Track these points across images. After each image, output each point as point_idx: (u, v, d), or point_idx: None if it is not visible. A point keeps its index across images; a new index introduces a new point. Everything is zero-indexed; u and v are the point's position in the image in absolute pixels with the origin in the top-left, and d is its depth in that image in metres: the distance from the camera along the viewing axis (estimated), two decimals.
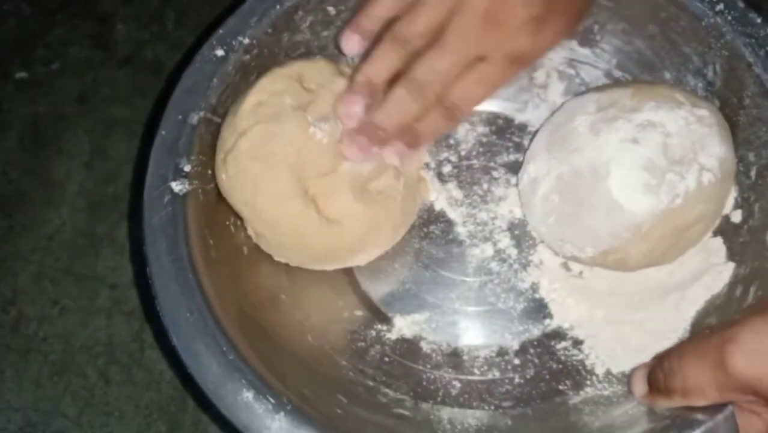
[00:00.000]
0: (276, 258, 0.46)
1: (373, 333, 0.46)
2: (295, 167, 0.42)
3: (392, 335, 0.46)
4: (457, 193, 0.51)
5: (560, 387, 0.44)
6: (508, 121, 0.53)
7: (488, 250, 0.49)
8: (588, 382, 0.44)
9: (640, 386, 0.40)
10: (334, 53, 0.51)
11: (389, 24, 0.43)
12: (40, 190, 0.58)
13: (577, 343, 0.45)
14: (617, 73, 0.51)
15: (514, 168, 0.51)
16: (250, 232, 0.46)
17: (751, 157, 0.45)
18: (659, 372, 0.38)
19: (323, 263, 0.46)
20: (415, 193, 0.48)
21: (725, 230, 0.45)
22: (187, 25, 0.61)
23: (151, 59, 0.61)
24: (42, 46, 0.63)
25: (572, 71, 0.52)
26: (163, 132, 0.44)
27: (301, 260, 0.46)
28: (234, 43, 0.47)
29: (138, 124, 0.44)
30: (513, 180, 0.50)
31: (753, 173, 0.44)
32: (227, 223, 0.46)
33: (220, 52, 0.46)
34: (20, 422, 0.50)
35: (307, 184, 0.43)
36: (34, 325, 0.53)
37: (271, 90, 0.44)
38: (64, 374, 0.52)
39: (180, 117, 0.45)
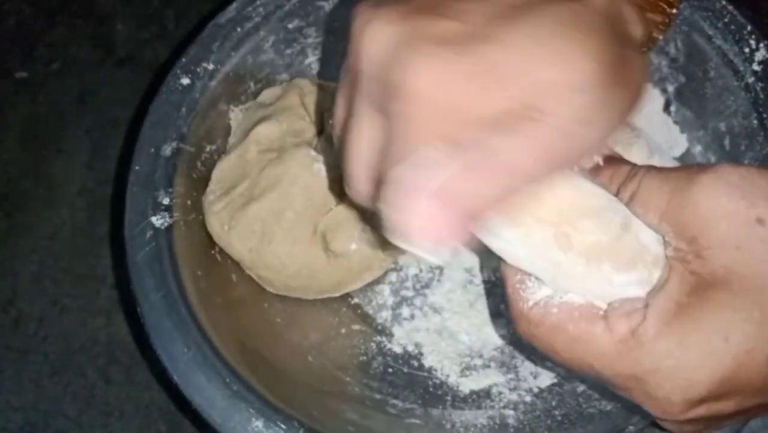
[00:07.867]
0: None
1: (374, 346, 0.46)
2: (303, 209, 0.42)
3: (393, 345, 0.46)
4: None
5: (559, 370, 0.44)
6: None
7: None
8: None
9: None
10: (300, 70, 0.51)
11: None
12: (40, 190, 0.57)
13: None
14: None
15: None
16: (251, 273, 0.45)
17: (723, 127, 0.45)
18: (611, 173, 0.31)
19: (328, 294, 0.46)
20: None
21: None
22: (187, 25, 0.61)
23: (151, 59, 0.61)
24: (42, 46, 0.62)
25: None
26: (137, 167, 0.43)
27: (306, 294, 0.45)
28: (199, 70, 0.46)
29: (138, 124, 0.44)
30: None
31: (726, 142, 0.45)
32: (212, 252, 0.45)
33: (185, 81, 0.45)
34: (20, 422, 0.50)
35: (315, 223, 0.42)
36: (34, 325, 0.52)
37: (266, 132, 0.43)
38: (64, 374, 0.51)
39: (152, 150, 0.44)
